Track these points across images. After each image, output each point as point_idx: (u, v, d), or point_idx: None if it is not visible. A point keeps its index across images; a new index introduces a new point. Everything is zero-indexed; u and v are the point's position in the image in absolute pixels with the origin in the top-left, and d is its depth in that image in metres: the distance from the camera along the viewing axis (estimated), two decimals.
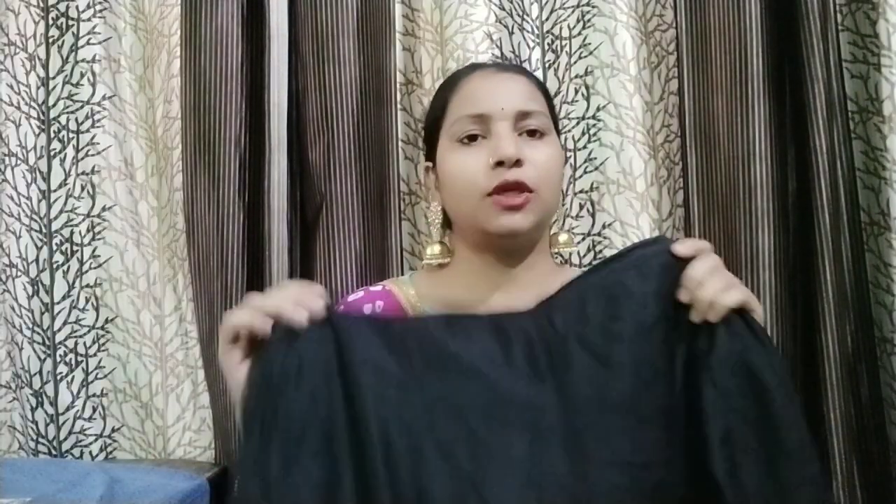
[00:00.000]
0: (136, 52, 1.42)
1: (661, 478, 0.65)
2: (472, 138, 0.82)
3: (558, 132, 0.91)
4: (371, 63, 1.29)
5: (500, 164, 0.79)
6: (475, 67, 0.90)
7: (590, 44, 1.24)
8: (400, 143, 1.26)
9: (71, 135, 1.42)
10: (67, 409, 1.39)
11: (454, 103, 0.85)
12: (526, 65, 1.25)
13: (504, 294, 0.84)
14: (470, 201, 0.81)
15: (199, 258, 1.30)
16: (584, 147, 1.24)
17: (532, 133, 0.82)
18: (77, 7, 1.42)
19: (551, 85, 1.25)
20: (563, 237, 0.91)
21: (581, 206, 1.24)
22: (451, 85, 0.88)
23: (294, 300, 0.69)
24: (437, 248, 0.89)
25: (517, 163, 0.79)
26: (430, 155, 0.89)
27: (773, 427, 0.64)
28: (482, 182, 0.80)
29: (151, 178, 1.41)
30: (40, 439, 1.39)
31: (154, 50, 1.40)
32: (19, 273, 1.40)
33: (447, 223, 0.90)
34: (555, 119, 0.89)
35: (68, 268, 1.41)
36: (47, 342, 1.40)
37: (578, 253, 1.24)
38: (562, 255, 1.25)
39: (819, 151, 1.08)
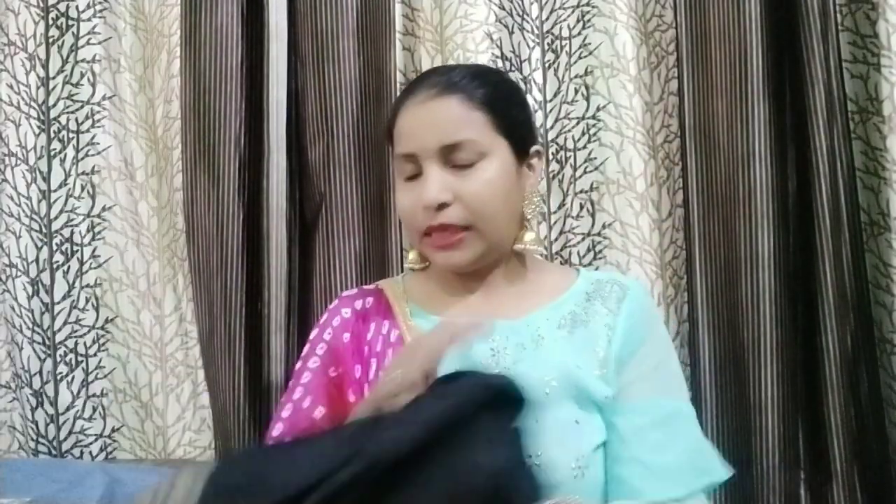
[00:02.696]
0: (136, 52, 1.42)
1: None
2: (412, 177, 0.83)
3: (515, 136, 0.84)
4: (371, 63, 1.29)
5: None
6: (410, 92, 0.86)
7: (590, 44, 1.24)
8: None
9: (71, 135, 1.42)
10: (67, 409, 1.39)
11: (395, 137, 0.86)
12: (526, 65, 1.25)
13: (481, 295, 0.87)
14: (413, 237, 0.86)
15: (199, 258, 1.30)
16: (584, 147, 1.24)
17: (463, 165, 0.80)
18: (77, 7, 1.42)
19: (551, 85, 1.25)
20: (528, 236, 0.87)
21: (581, 206, 1.24)
22: (393, 114, 0.87)
23: None
24: (411, 255, 0.94)
25: (441, 206, 0.79)
26: None
27: None
28: (418, 222, 0.82)
29: (151, 178, 1.41)
30: (40, 439, 1.39)
31: (154, 50, 1.40)
32: (19, 273, 1.40)
33: None
34: (510, 124, 0.83)
35: (68, 268, 1.42)
36: (47, 342, 1.40)
37: (578, 253, 1.24)
38: (559, 256, 1.25)
39: (819, 152, 1.08)
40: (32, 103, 1.42)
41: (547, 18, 1.26)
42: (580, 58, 1.25)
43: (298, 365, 0.90)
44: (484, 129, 0.81)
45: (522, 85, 1.25)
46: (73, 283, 1.41)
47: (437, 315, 0.87)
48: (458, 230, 0.80)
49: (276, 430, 0.85)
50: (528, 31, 1.26)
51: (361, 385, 0.86)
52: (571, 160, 1.24)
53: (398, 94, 1.25)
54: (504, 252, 0.87)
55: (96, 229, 1.42)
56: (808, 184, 1.10)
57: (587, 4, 1.24)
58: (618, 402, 0.80)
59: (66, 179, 1.42)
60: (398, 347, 0.86)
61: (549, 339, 0.82)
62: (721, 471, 0.80)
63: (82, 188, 1.42)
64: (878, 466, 1.10)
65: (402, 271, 1.24)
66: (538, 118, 1.24)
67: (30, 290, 1.40)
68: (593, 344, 0.82)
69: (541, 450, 0.73)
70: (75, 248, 1.42)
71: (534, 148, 0.87)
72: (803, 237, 1.12)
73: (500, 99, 0.84)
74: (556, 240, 1.24)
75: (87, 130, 1.42)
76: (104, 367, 1.41)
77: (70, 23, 1.43)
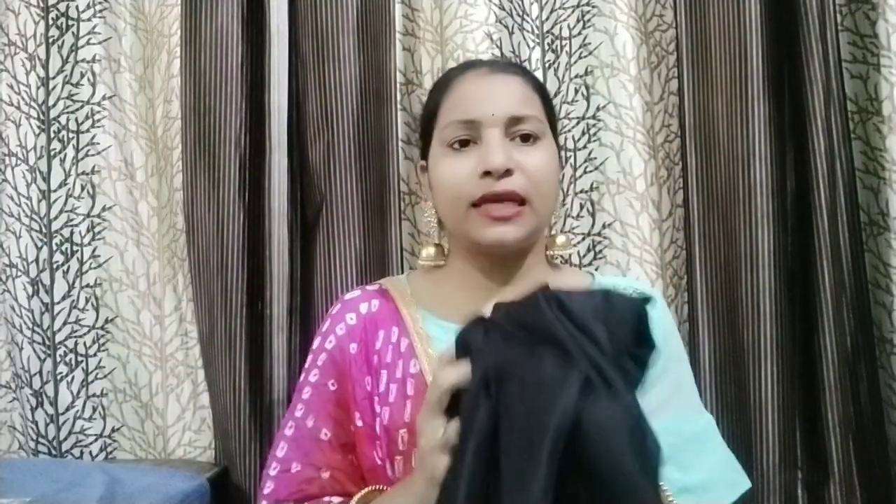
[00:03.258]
0: (136, 52, 1.42)
1: None
2: (464, 143, 0.80)
3: (556, 133, 0.88)
4: (371, 63, 1.29)
5: (488, 173, 0.77)
6: (468, 66, 0.88)
7: (590, 44, 1.24)
8: (400, 143, 1.26)
9: (71, 135, 1.42)
10: (67, 409, 1.39)
11: (445, 105, 0.83)
12: (526, 65, 1.25)
13: (499, 298, 0.83)
14: (458, 210, 0.80)
15: (199, 258, 1.30)
16: (584, 147, 1.24)
17: (526, 138, 0.80)
18: (77, 7, 1.42)
19: (551, 85, 1.25)
20: (560, 239, 0.88)
21: (581, 206, 1.24)
22: (443, 85, 0.86)
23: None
24: (431, 251, 0.89)
25: (507, 172, 0.77)
26: (425, 153, 0.88)
27: None
28: (470, 191, 0.78)
29: (151, 178, 1.41)
30: (40, 439, 1.39)
31: (154, 50, 1.40)
32: (19, 273, 1.39)
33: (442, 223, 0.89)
34: (552, 120, 0.87)
35: (68, 268, 1.41)
36: (47, 342, 1.40)
37: (578, 253, 1.24)
38: (562, 256, 1.25)
39: (818, 152, 1.08)
40: (32, 103, 1.42)
41: (547, 18, 1.27)
42: (580, 58, 1.25)
43: (301, 377, 0.87)
44: (541, 114, 0.83)
45: None
46: (73, 283, 1.41)
47: (450, 322, 0.81)
48: (517, 204, 0.78)
49: (281, 450, 0.83)
50: (528, 31, 1.26)
51: (372, 399, 0.81)
52: (571, 160, 1.24)
53: (399, 94, 1.26)
54: (535, 244, 0.85)
55: (96, 229, 1.42)
56: (808, 184, 1.10)
57: (587, 4, 1.24)
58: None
59: (66, 179, 1.42)
60: (409, 358, 0.81)
61: None
62: (747, 481, 0.82)
63: (82, 188, 1.42)
64: (877, 466, 1.10)
65: (403, 271, 1.24)
66: None
67: (30, 290, 1.40)
68: None
69: None
70: (75, 248, 1.42)
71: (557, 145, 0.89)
72: (803, 237, 1.13)
73: (547, 94, 0.89)
74: None
75: (87, 130, 1.42)
76: (104, 367, 1.41)
77: (70, 23, 1.43)
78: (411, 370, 0.81)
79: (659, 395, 0.77)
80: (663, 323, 0.84)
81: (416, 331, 0.83)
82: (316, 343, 0.88)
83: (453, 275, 0.87)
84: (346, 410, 0.83)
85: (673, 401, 0.80)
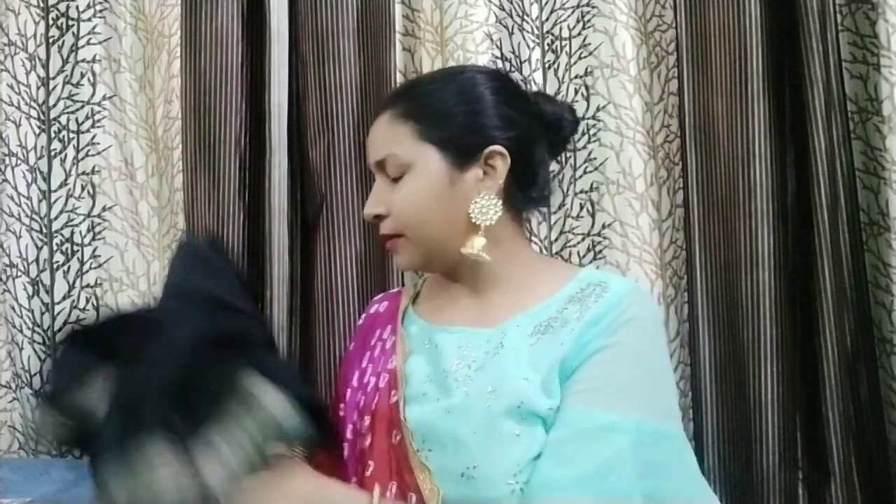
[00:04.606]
0: (136, 52, 1.42)
1: None
2: None
3: (448, 142, 0.81)
4: (371, 63, 1.29)
5: None
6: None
7: (590, 44, 1.24)
8: None
9: (71, 135, 1.42)
10: None
11: None
12: (526, 65, 1.25)
13: (470, 300, 0.86)
14: None
15: None
16: (584, 147, 1.24)
17: (394, 179, 0.83)
18: (77, 7, 1.42)
19: (551, 85, 1.25)
20: (478, 241, 0.81)
21: (581, 206, 1.24)
22: None
23: None
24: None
25: (379, 217, 0.84)
26: None
27: None
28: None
29: (151, 178, 1.41)
30: (41, 439, 1.39)
31: (154, 50, 1.40)
32: (19, 273, 1.40)
33: None
34: (437, 132, 0.81)
35: (68, 268, 1.41)
36: (47, 342, 1.40)
37: (578, 253, 1.24)
38: (559, 256, 1.25)
39: (818, 152, 1.08)
40: (32, 103, 1.42)
41: (547, 19, 1.27)
42: (580, 58, 1.25)
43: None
44: (407, 141, 0.81)
45: (522, 86, 1.24)
46: (74, 283, 1.41)
47: (424, 320, 0.88)
48: (391, 237, 0.84)
49: None
50: (528, 32, 1.26)
51: (355, 390, 0.87)
52: (571, 160, 1.24)
53: None
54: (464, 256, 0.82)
55: (96, 229, 1.42)
56: (808, 184, 1.10)
57: (587, 5, 1.24)
58: (564, 392, 0.74)
59: (66, 179, 1.42)
60: (391, 354, 0.86)
61: (509, 347, 0.78)
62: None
63: (82, 188, 1.42)
64: (878, 466, 1.10)
65: (402, 272, 1.24)
66: None
67: (30, 290, 1.40)
68: (554, 353, 0.76)
69: (477, 463, 0.71)
70: (75, 248, 1.42)
71: (490, 149, 0.81)
72: (803, 237, 1.13)
73: (438, 106, 0.82)
74: (556, 240, 1.24)
75: (88, 130, 1.42)
76: None
77: (70, 23, 1.43)
78: (389, 366, 0.85)
79: (579, 383, 0.73)
80: (612, 314, 0.76)
81: (399, 328, 0.89)
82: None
83: (439, 280, 0.92)
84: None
85: (588, 392, 0.73)
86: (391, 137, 0.83)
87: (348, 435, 0.84)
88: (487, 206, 0.81)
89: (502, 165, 0.81)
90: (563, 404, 0.73)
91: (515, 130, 0.83)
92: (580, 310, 0.78)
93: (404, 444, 0.77)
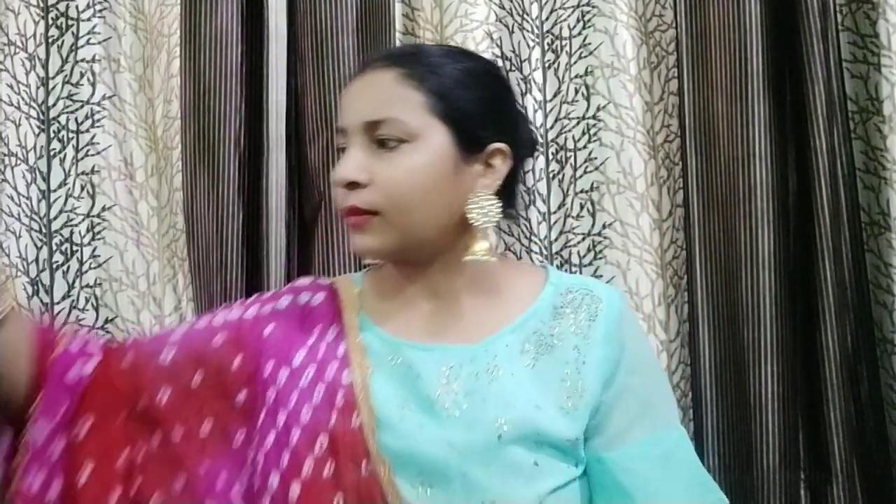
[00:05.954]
0: (135, 51, 1.42)
1: None
2: (343, 150, 0.76)
3: (463, 125, 0.75)
4: None
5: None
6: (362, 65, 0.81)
7: (590, 44, 1.24)
8: None
9: (71, 135, 1.42)
10: None
11: None
12: (526, 65, 1.25)
13: (435, 306, 0.79)
14: (342, 216, 0.78)
15: (198, 258, 1.30)
16: (584, 147, 1.24)
17: (383, 143, 0.73)
18: (77, 7, 1.42)
19: (551, 85, 1.25)
20: (480, 246, 0.75)
21: (581, 206, 1.24)
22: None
23: None
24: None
25: (352, 185, 0.73)
26: None
27: None
28: (338, 201, 0.76)
29: (151, 178, 1.41)
30: None
31: (154, 50, 1.40)
32: (19, 273, 1.39)
33: None
34: (453, 111, 0.74)
35: (68, 268, 1.41)
36: None
37: (578, 253, 1.24)
38: (559, 256, 1.24)
39: (819, 151, 1.08)
40: (32, 103, 1.42)
41: (547, 18, 1.26)
42: (580, 58, 1.25)
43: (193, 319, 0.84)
44: (418, 109, 0.73)
45: (522, 85, 1.25)
46: (73, 283, 1.41)
47: (382, 328, 0.78)
48: (362, 213, 0.73)
49: None
50: (528, 31, 1.26)
51: (287, 391, 0.74)
52: (571, 160, 1.24)
53: None
54: (448, 256, 0.77)
55: (96, 229, 1.42)
56: (809, 183, 1.10)
57: (587, 4, 1.24)
58: (606, 437, 0.75)
59: (65, 179, 1.42)
60: (344, 367, 0.74)
61: (505, 370, 0.73)
62: (723, 498, 0.79)
63: (82, 188, 1.42)
64: (879, 466, 1.10)
65: None
66: (538, 118, 1.24)
67: (30, 290, 1.40)
68: (559, 373, 0.74)
69: (494, 498, 0.68)
70: (75, 248, 1.42)
71: (495, 146, 0.76)
72: (803, 237, 1.12)
73: (454, 82, 0.75)
74: (556, 240, 1.24)
75: (87, 130, 1.42)
76: None
77: (70, 23, 1.43)
78: (343, 381, 0.74)
79: (619, 422, 0.75)
80: (619, 329, 0.77)
81: (353, 338, 0.78)
82: (239, 302, 0.84)
83: (388, 278, 0.82)
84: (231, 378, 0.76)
85: (637, 423, 0.76)
86: (396, 99, 0.73)
87: (272, 439, 0.72)
88: (489, 208, 0.75)
89: (503, 166, 0.77)
90: (621, 432, 0.76)
91: (518, 133, 0.80)
92: (575, 323, 0.76)
93: (376, 476, 0.68)
